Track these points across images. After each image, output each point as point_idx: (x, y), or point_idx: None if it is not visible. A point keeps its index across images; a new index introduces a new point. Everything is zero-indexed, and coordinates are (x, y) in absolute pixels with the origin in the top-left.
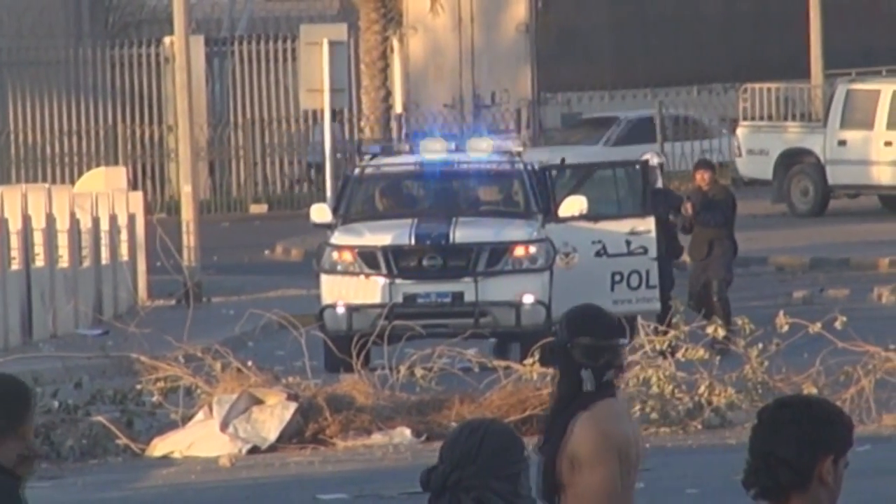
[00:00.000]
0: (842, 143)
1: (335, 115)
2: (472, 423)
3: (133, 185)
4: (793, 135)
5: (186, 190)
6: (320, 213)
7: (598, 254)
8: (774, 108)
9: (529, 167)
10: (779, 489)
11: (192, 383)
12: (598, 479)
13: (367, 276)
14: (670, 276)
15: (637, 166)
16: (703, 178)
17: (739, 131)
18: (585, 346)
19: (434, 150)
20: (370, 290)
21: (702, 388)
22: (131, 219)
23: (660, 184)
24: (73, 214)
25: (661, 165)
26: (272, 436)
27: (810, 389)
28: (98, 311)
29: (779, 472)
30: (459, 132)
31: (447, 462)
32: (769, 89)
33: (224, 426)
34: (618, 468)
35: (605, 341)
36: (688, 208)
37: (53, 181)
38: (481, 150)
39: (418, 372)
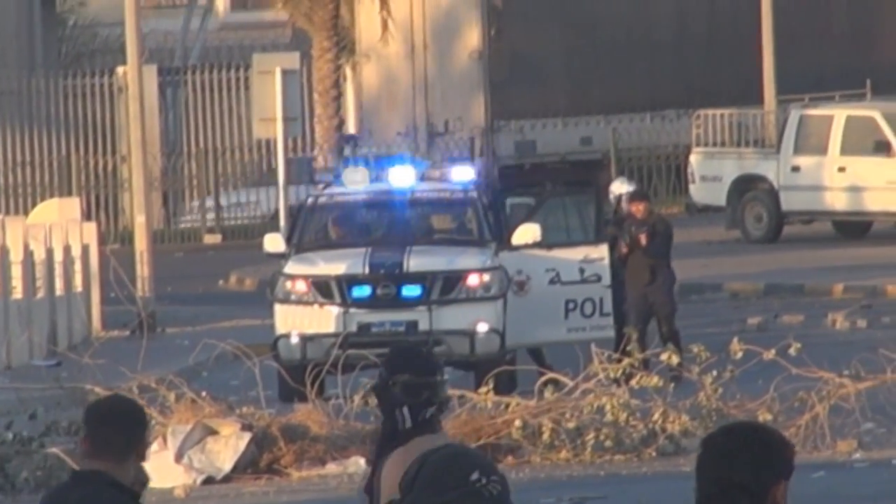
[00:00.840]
0: (795, 168)
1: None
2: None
3: (87, 216)
4: (746, 161)
5: (140, 220)
6: (274, 242)
7: (551, 281)
8: (728, 134)
9: (483, 195)
10: None
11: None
12: None
13: (321, 305)
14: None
15: (590, 194)
16: (638, 209)
17: (693, 157)
18: (405, 384)
19: (355, 181)
20: (324, 319)
21: (656, 416)
22: (85, 249)
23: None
24: (26, 246)
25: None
26: (227, 466)
27: (765, 416)
28: (52, 342)
29: (736, 498)
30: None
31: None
32: (722, 115)
33: (178, 457)
34: None
35: (423, 378)
36: (641, 239)
37: (7, 212)
38: (404, 180)
39: (372, 401)
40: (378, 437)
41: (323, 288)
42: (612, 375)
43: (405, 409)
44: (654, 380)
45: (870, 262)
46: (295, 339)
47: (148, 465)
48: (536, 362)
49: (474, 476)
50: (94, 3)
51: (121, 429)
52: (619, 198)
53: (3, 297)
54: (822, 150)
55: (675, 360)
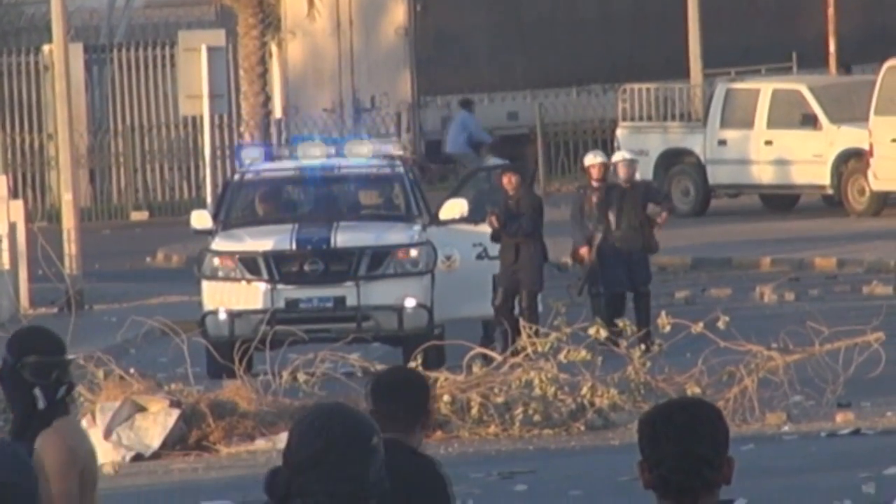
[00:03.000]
0: (722, 142)
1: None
2: (317, 422)
3: (13, 194)
4: (673, 135)
5: (67, 198)
6: (200, 219)
7: (479, 256)
8: (654, 109)
9: (409, 171)
10: (698, 488)
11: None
12: (56, 495)
13: (249, 281)
14: (647, 270)
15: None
16: (510, 182)
17: (619, 132)
18: (34, 365)
19: (313, 155)
20: (252, 295)
21: (584, 390)
22: (12, 227)
23: (638, 177)
24: None
25: (634, 161)
26: (155, 443)
27: (693, 389)
28: None
29: (703, 471)
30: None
31: (291, 465)
32: (648, 89)
33: (107, 434)
34: (77, 485)
35: (52, 357)
36: (493, 221)
37: None
38: (361, 154)
39: (301, 377)
40: (12, 422)
41: (250, 264)
42: (539, 350)
43: (38, 391)
44: (583, 353)
45: (797, 236)
46: (223, 316)
47: None
48: (484, 336)
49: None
50: None
51: (406, 400)
52: (614, 165)
53: None
54: (748, 123)
55: (602, 333)
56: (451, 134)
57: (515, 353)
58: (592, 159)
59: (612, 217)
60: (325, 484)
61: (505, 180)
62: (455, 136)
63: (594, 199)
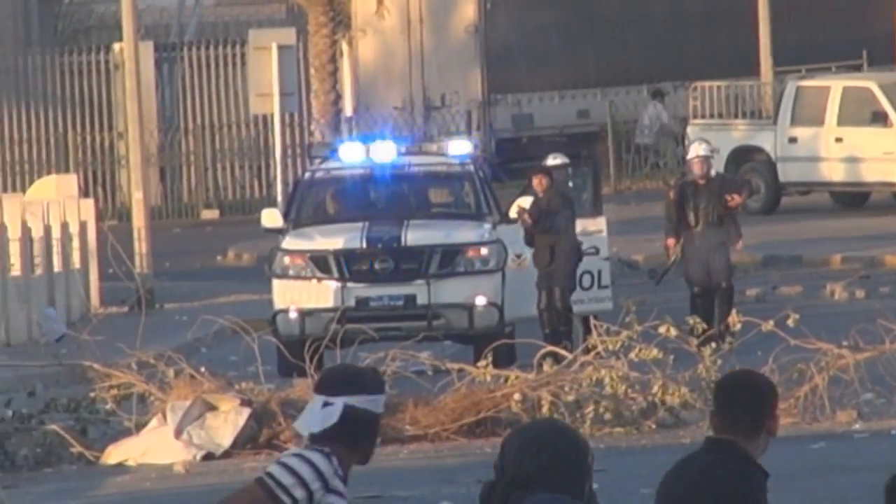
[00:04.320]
0: (792, 140)
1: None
2: (540, 437)
3: (84, 193)
4: (743, 132)
5: (137, 196)
6: (271, 217)
7: None
8: (724, 106)
9: (480, 169)
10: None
11: (145, 390)
12: None
13: (319, 280)
14: (726, 266)
15: (588, 167)
16: (540, 183)
17: (690, 129)
18: None
19: (384, 153)
20: (322, 294)
21: (655, 388)
22: (83, 226)
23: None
24: (24, 223)
25: (712, 153)
26: (226, 442)
27: None
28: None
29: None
30: (410, 134)
31: (510, 478)
32: (719, 87)
33: (178, 433)
34: None
35: None
36: (525, 219)
37: (4, 189)
38: (386, 155)
39: None
40: None
41: (321, 263)
42: (611, 348)
43: None
44: (654, 352)
45: (868, 233)
46: (293, 315)
47: (147, 442)
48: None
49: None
50: None
51: (749, 404)
52: (689, 162)
53: (1, 274)
54: (818, 121)
55: (673, 332)
56: (641, 124)
57: (587, 352)
58: (694, 152)
59: (690, 215)
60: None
61: (535, 181)
62: (649, 126)
63: (671, 195)
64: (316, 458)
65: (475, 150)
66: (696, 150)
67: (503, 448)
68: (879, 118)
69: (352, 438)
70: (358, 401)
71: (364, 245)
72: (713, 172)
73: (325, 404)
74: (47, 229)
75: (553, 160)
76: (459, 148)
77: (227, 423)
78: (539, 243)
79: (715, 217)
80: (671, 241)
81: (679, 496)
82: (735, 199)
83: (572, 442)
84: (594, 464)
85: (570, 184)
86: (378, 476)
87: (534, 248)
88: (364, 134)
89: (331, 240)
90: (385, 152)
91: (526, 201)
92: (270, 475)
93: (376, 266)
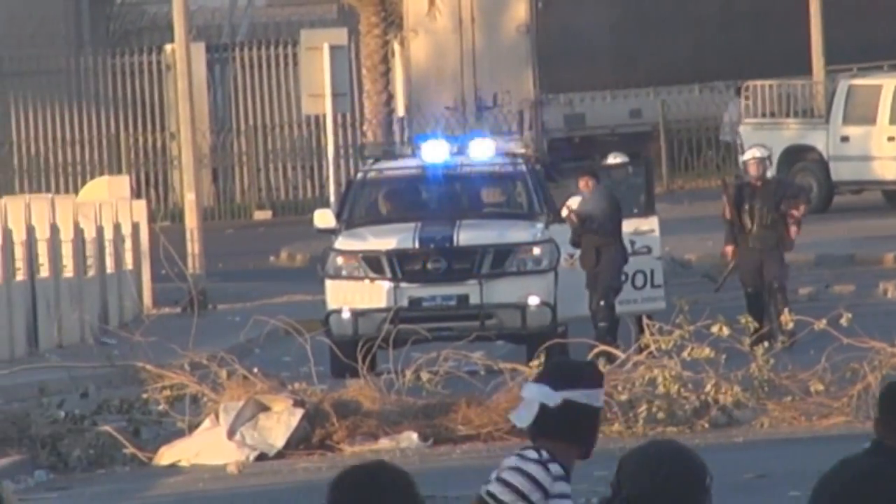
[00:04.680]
0: (844, 139)
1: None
2: (657, 457)
3: (136, 194)
4: (795, 131)
5: (190, 197)
6: (324, 218)
7: None
8: (776, 105)
9: (532, 168)
10: None
11: (198, 391)
12: None
13: (372, 280)
14: (779, 267)
15: (640, 166)
16: (586, 184)
17: (742, 129)
18: None
19: (436, 153)
20: (375, 294)
21: (708, 387)
22: (135, 227)
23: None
24: (76, 224)
25: (769, 157)
26: (279, 442)
27: (817, 386)
28: (104, 320)
29: None
30: (462, 134)
31: (626, 497)
32: (770, 86)
33: (231, 433)
34: None
35: None
36: (572, 219)
37: (57, 191)
38: (484, 153)
39: (424, 376)
40: None
41: (374, 263)
42: (663, 347)
43: None
44: (706, 351)
45: None
46: (346, 315)
47: (199, 443)
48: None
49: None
50: None
51: None
52: (745, 164)
53: (53, 275)
54: (871, 119)
55: (725, 331)
56: (725, 121)
57: (639, 351)
58: (751, 154)
59: (745, 217)
60: None
61: (581, 183)
62: (729, 122)
63: (729, 195)
64: (532, 468)
65: (526, 149)
66: (752, 153)
67: (620, 467)
68: None
69: (572, 434)
70: (578, 395)
71: (417, 245)
72: (769, 174)
73: (545, 398)
74: (100, 231)
75: (613, 159)
76: (514, 147)
77: (280, 423)
78: (585, 244)
79: (769, 220)
80: (729, 249)
81: (835, 495)
82: (799, 210)
83: (690, 463)
84: (713, 485)
85: (628, 182)
86: (431, 476)
87: (580, 249)
88: (417, 134)
89: (383, 240)
90: (437, 152)
91: (575, 202)
92: (491, 495)
93: (429, 266)
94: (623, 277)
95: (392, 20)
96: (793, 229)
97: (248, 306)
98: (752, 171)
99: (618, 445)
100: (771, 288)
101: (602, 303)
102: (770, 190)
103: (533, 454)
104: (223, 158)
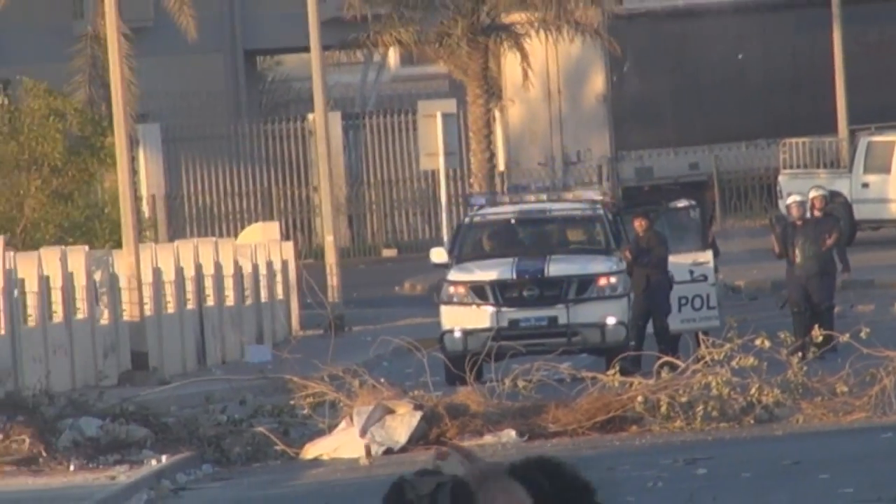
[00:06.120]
0: (865, 185)
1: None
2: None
3: (285, 237)
4: (824, 180)
5: (329, 239)
6: (438, 255)
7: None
8: (808, 158)
9: (608, 212)
10: None
11: (335, 398)
12: None
13: (478, 305)
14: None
15: (696, 209)
16: (640, 225)
17: (781, 178)
18: None
19: (530, 201)
20: (481, 317)
21: (753, 390)
22: (284, 264)
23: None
24: (236, 262)
25: (804, 202)
26: (402, 439)
27: (841, 388)
28: (259, 341)
29: None
30: (551, 185)
31: None
32: (804, 143)
33: (363, 432)
34: None
35: None
36: (626, 255)
37: (220, 235)
38: (540, 202)
39: (521, 383)
40: None
41: (479, 291)
42: (716, 357)
43: None
44: (751, 360)
45: None
46: (458, 334)
47: (337, 440)
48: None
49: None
50: (288, 61)
51: None
52: (788, 206)
53: (218, 304)
54: (886, 169)
55: (766, 343)
56: None
57: (697, 361)
58: (792, 199)
59: (791, 250)
60: None
61: (636, 223)
62: None
63: (777, 233)
64: None
65: (604, 196)
66: (793, 197)
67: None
68: None
69: None
70: None
71: (514, 276)
72: (808, 214)
73: None
74: (255, 267)
75: (679, 203)
76: (593, 195)
77: (403, 423)
78: (637, 274)
79: (811, 252)
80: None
81: None
82: (827, 243)
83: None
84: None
85: (690, 222)
86: None
87: (633, 278)
88: (514, 185)
89: (487, 272)
90: (531, 199)
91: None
92: None
93: (524, 293)
94: (669, 302)
95: (493, 92)
96: (828, 242)
97: (377, 328)
98: (794, 212)
99: (679, 439)
100: (819, 309)
101: (658, 327)
102: (810, 227)
103: None
104: (356, 207)
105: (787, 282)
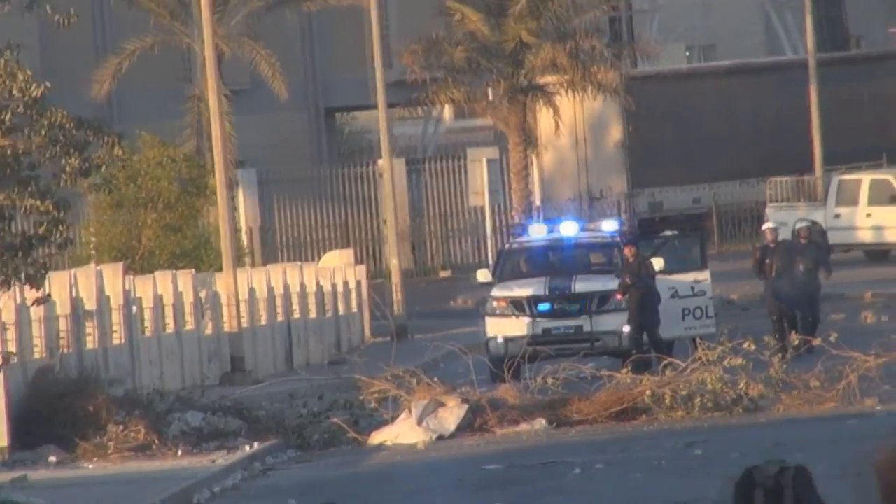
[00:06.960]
0: (837, 215)
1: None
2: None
3: (358, 261)
4: (804, 211)
5: (394, 262)
6: (484, 275)
7: (672, 296)
8: (791, 193)
9: (623, 241)
10: None
11: (397, 394)
12: None
13: (517, 316)
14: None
15: (696, 236)
16: (630, 252)
17: (768, 210)
18: None
19: (561, 230)
20: (519, 326)
21: (741, 385)
22: (358, 284)
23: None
24: (318, 282)
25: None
26: (452, 427)
27: (814, 383)
28: (337, 347)
29: None
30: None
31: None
32: (787, 181)
33: (419, 422)
34: None
35: None
36: (626, 280)
37: (304, 260)
38: (570, 231)
39: (550, 380)
40: None
41: (518, 305)
42: (710, 358)
43: None
44: (740, 360)
45: (890, 277)
46: (500, 340)
47: (398, 429)
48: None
49: None
50: (361, 117)
51: None
52: (763, 231)
53: (303, 317)
54: (854, 202)
55: (752, 346)
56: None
57: (695, 361)
58: (766, 226)
59: (767, 268)
60: None
61: (626, 251)
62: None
63: (756, 255)
64: None
65: (621, 227)
66: (767, 224)
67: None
68: None
69: None
70: None
71: (546, 292)
72: (780, 238)
73: None
74: (334, 286)
75: (667, 233)
76: (609, 226)
77: (453, 414)
78: (632, 294)
79: (782, 268)
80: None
81: None
82: (827, 279)
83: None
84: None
85: (690, 247)
86: (554, 449)
87: (628, 296)
88: (548, 218)
89: (524, 290)
90: (566, 229)
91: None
92: None
93: (555, 306)
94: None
95: (530, 140)
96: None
97: (434, 336)
98: (768, 236)
99: (680, 426)
100: (793, 317)
101: (652, 338)
102: (781, 249)
103: None
104: (418, 235)
105: (764, 293)
